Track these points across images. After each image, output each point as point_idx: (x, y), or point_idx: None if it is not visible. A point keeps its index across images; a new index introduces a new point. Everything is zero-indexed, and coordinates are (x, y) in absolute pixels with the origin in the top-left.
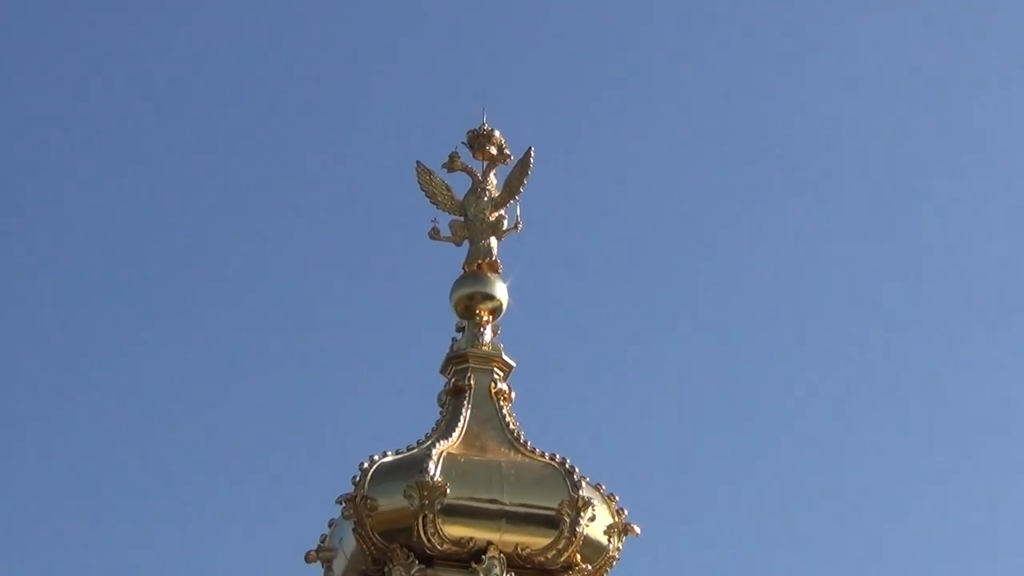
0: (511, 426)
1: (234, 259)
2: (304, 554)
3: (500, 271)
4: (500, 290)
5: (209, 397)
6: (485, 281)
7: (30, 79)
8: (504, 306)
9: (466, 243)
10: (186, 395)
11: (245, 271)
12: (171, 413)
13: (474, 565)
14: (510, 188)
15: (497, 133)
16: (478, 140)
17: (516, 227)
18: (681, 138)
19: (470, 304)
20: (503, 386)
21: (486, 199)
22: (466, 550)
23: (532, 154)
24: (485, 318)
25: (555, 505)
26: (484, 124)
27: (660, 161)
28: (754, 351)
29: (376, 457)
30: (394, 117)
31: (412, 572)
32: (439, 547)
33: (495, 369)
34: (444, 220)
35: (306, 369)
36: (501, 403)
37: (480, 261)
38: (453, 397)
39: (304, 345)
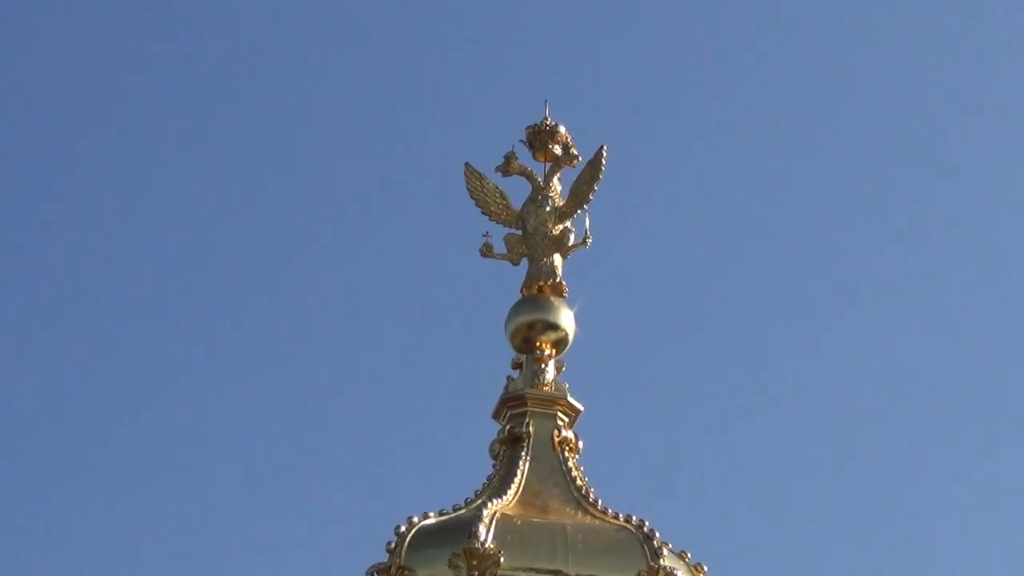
0: (578, 481)
1: (251, 291)
2: None
3: (565, 295)
4: (565, 318)
5: (213, 461)
6: (547, 307)
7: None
8: (570, 338)
9: (524, 261)
10: (189, 455)
11: (261, 300)
12: (183, 464)
13: None
14: (578, 195)
15: (562, 129)
16: (539, 138)
17: (584, 242)
18: (786, 135)
19: (529, 335)
20: (568, 434)
21: (548, 208)
22: None
23: (604, 154)
24: (547, 352)
25: None
26: (547, 118)
27: (760, 163)
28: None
29: (416, 519)
30: (439, 112)
31: None
32: None
33: (559, 414)
34: (498, 234)
35: (334, 413)
36: (566, 454)
37: (541, 283)
38: (509, 447)
39: (333, 384)
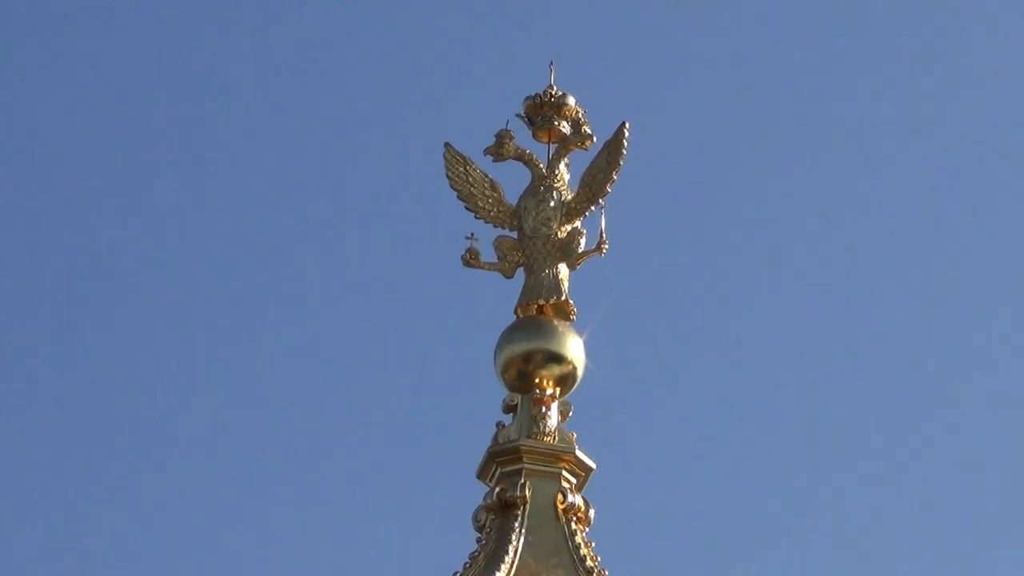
0: (588, 562)
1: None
2: None
3: (573, 318)
4: (573, 348)
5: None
6: (549, 333)
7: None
8: (579, 373)
9: (520, 273)
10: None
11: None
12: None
13: None
14: (591, 187)
15: (572, 101)
16: (542, 112)
17: (600, 249)
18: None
19: (526, 369)
20: (576, 499)
21: (553, 204)
22: None
23: (627, 134)
24: (549, 392)
25: None
26: (551, 87)
27: (818, 154)
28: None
29: None
30: (411, 76)
31: None
32: None
33: (564, 473)
34: (487, 236)
35: (273, 463)
36: (573, 526)
37: (542, 302)
38: (498, 516)
39: (275, 423)
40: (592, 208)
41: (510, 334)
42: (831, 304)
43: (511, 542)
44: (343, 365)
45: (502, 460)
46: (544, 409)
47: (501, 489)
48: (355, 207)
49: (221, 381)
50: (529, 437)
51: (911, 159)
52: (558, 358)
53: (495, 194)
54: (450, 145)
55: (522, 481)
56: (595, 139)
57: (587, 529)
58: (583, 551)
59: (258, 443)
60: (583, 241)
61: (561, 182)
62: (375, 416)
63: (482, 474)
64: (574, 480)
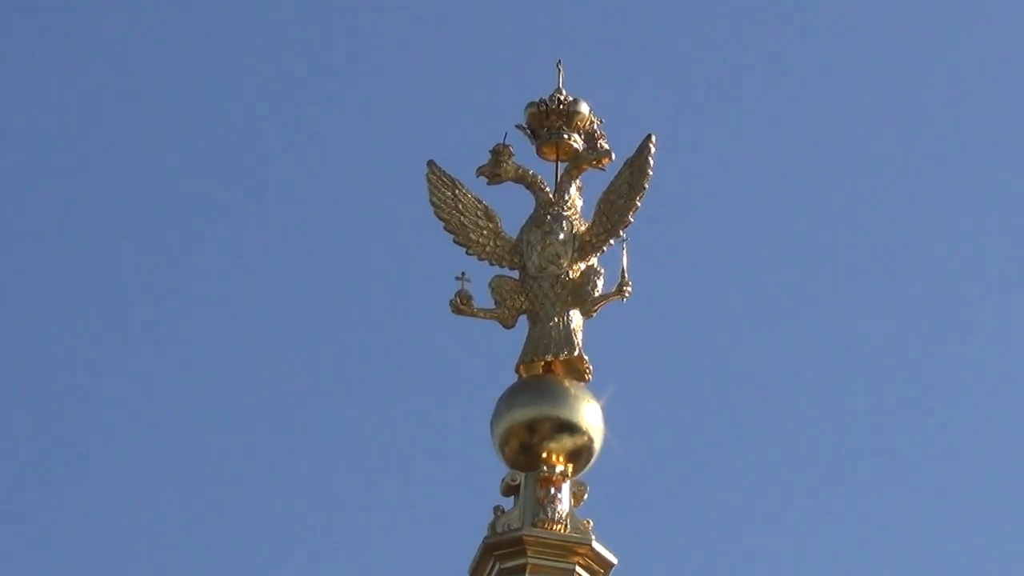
0: None
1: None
2: None
3: (588, 377)
4: (589, 414)
5: None
6: (559, 397)
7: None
8: (596, 446)
9: (523, 322)
10: None
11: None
12: None
13: None
14: (610, 215)
15: (585, 108)
16: (548, 122)
17: (621, 292)
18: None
19: (530, 442)
20: None
21: (563, 236)
22: None
23: (652, 149)
24: (559, 468)
25: None
26: (560, 91)
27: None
28: None
29: None
30: (391, 82)
31: None
32: None
33: (578, 569)
34: (481, 275)
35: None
36: None
37: (551, 357)
38: None
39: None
40: (611, 241)
41: (511, 398)
42: (887, 363)
43: None
44: (310, 442)
45: (501, 553)
46: (553, 490)
47: None
48: (320, 238)
49: (200, 478)
50: (534, 525)
51: (960, 193)
52: (570, 427)
53: (491, 224)
54: (434, 164)
55: None
56: (614, 156)
57: None
58: None
59: (219, 532)
60: (600, 283)
61: (572, 209)
62: (346, 499)
63: (477, 571)
64: None
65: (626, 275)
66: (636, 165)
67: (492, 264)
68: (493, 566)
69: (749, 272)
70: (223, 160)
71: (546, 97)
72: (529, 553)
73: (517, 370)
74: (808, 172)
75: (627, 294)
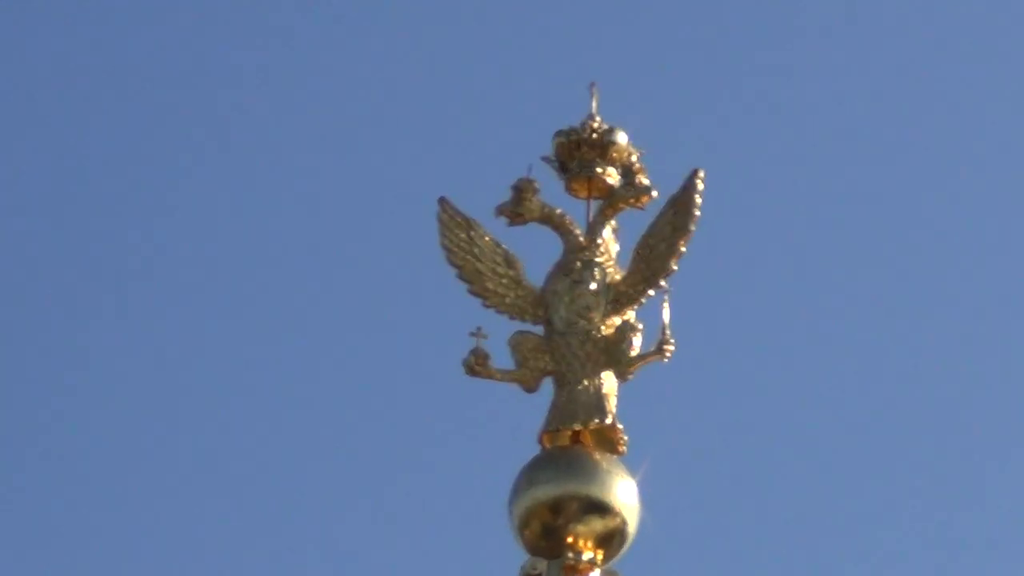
0: None
1: None
2: None
3: (622, 450)
4: (622, 493)
5: None
6: (589, 472)
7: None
8: (630, 529)
9: (549, 384)
10: None
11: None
12: None
13: None
14: (650, 262)
15: (623, 138)
16: (579, 154)
17: (662, 352)
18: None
19: (555, 523)
20: None
21: (595, 286)
22: None
23: (700, 186)
24: (588, 556)
25: None
26: (593, 118)
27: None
28: None
29: None
30: (394, 104)
31: None
32: None
33: None
34: (500, 331)
35: None
36: None
37: (579, 426)
38: None
39: None
40: (650, 292)
41: (532, 473)
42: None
43: None
44: (304, 518)
45: None
46: None
47: None
48: (314, 284)
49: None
50: None
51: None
52: (601, 508)
53: (511, 272)
54: (447, 202)
55: None
56: (656, 194)
57: None
58: None
59: None
60: (637, 340)
61: (606, 255)
62: None
63: None
64: None
65: (668, 331)
66: (681, 204)
67: (512, 318)
68: None
69: (810, 329)
70: (216, 196)
71: (577, 125)
72: None
73: (540, 441)
74: (882, 216)
75: (669, 353)
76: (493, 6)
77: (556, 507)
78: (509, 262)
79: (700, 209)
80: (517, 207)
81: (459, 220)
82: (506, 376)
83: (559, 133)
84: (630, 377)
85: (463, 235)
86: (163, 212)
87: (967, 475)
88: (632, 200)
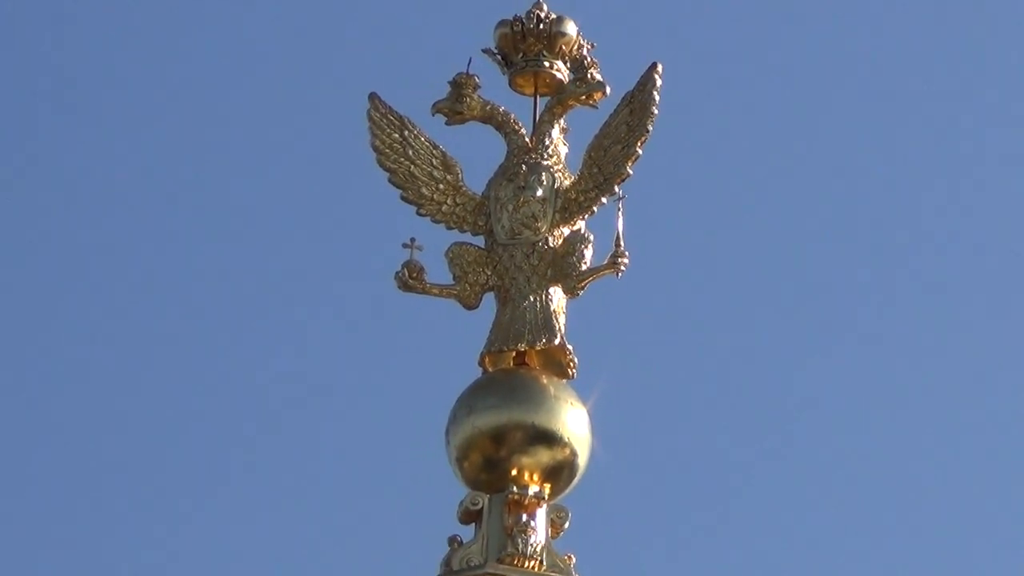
0: None
1: None
2: None
3: (573, 373)
4: (571, 421)
5: None
6: (535, 398)
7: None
8: (580, 461)
9: (488, 300)
10: None
11: None
12: None
13: None
14: (602, 166)
15: (573, 28)
16: (524, 45)
17: (615, 265)
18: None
19: (497, 454)
20: None
21: (541, 192)
22: None
23: (658, 82)
24: (534, 490)
25: None
26: (540, 7)
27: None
28: None
29: None
30: None
31: None
32: None
33: None
34: (436, 242)
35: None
36: None
37: (524, 347)
38: None
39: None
40: (603, 200)
41: (472, 399)
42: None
43: None
44: (221, 456)
45: None
46: (525, 517)
47: None
48: (232, 189)
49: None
50: (501, 561)
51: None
52: (547, 437)
53: (449, 176)
54: (378, 98)
55: None
56: (609, 90)
57: None
58: None
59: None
60: (588, 252)
61: (555, 158)
62: (267, 530)
63: None
64: None
65: (622, 243)
66: (637, 102)
67: (450, 228)
68: None
69: (774, 240)
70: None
71: (522, 14)
72: None
73: (481, 363)
74: (853, 113)
75: (622, 267)
76: None
77: (498, 437)
78: (447, 165)
79: (658, 107)
80: (456, 104)
81: (392, 119)
82: (443, 291)
83: (502, 23)
84: (580, 293)
85: (396, 135)
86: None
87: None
88: (583, 97)
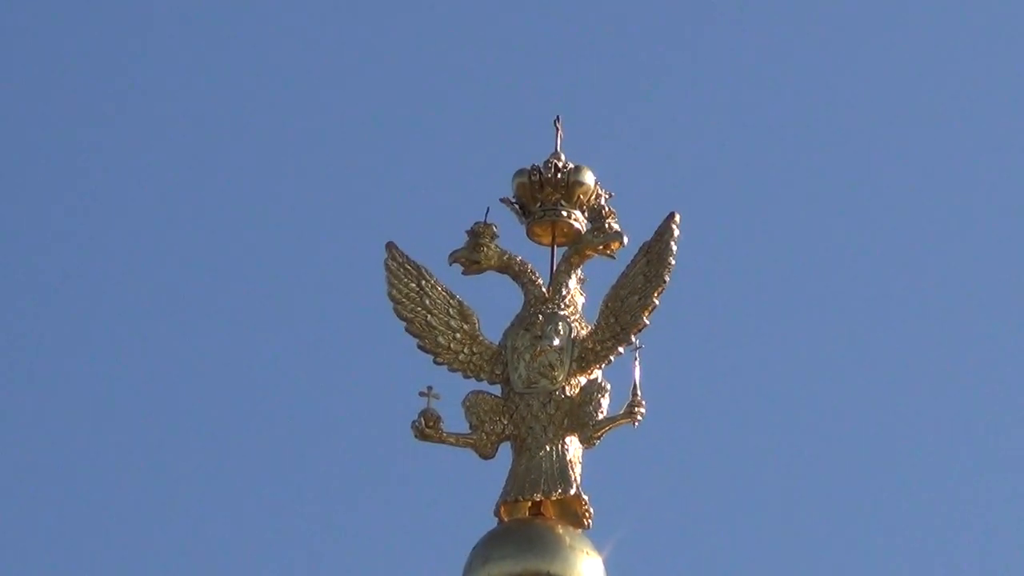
0: None
1: None
2: None
3: (589, 523)
4: (587, 569)
5: None
6: (551, 548)
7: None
8: None
9: (505, 451)
10: None
11: None
12: None
13: None
14: (620, 316)
15: (590, 178)
16: (543, 194)
17: (632, 414)
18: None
19: None
20: None
21: (558, 341)
22: None
23: (676, 232)
24: None
25: None
26: (558, 156)
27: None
28: None
29: None
30: (343, 142)
31: None
32: None
33: None
34: (453, 391)
35: None
36: None
37: (540, 497)
38: None
39: None
40: (620, 350)
41: (488, 549)
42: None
43: None
44: None
45: None
46: None
47: None
48: (263, 332)
49: None
50: None
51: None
52: None
53: (466, 326)
54: (395, 248)
55: None
56: (627, 240)
57: None
58: None
59: None
60: (605, 402)
61: (571, 308)
62: None
63: None
64: None
65: (639, 392)
66: (654, 252)
67: (467, 376)
68: None
69: (792, 393)
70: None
71: (540, 164)
72: None
73: (497, 513)
74: (868, 268)
75: (639, 417)
76: (451, 34)
77: None
78: (464, 315)
79: (676, 257)
80: (473, 254)
81: (409, 268)
82: (460, 440)
83: (520, 172)
84: (596, 443)
85: (413, 284)
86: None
87: None
88: (601, 247)
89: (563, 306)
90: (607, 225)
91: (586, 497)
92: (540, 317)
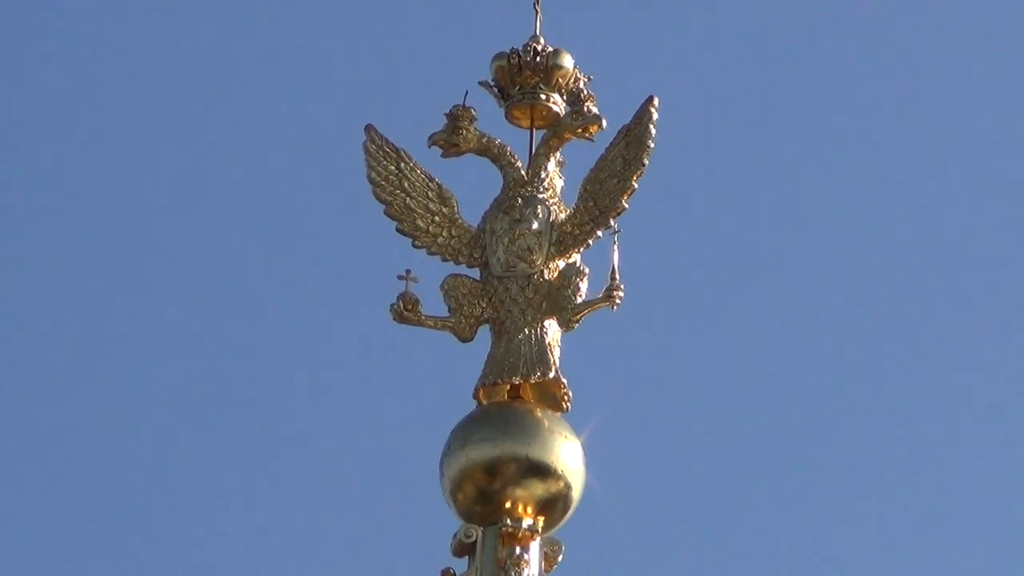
0: None
1: None
2: None
3: (568, 406)
4: (565, 455)
5: None
6: (530, 431)
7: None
8: (574, 493)
9: (485, 333)
10: None
11: None
12: None
13: None
14: (599, 199)
15: (569, 61)
16: (522, 78)
17: (611, 298)
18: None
19: (491, 486)
20: None
21: (537, 225)
22: None
23: (655, 115)
24: (527, 523)
25: None
26: (538, 39)
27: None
28: None
29: None
30: (322, 24)
31: None
32: None
33: None
34: (432, 273)
35: None
36: None
37: (519, 380)
38: None
39: None
40: (599, 233)
41: (467, 432)
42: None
43: None
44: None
45: None
46: (519, 550)
47: None
48: (231, 218)
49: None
50: None
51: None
52: (542, 470)
53: (444, 209)
54: (375, 130)
55: None
56: (605, 123)
57: None
58: None
59: None
60: (584, 285)
61: (550, 191)
62: (262, 555)
63: None
64: None
65: (617, 276)
66: (633, 135)
67: (445, 260)
68: None
69: (772, 273)
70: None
71: (519, 47)
72: None
73: (475, 396)
74: (855, 145)
75: (618, 300)
76: None
77: (492, 469)
78: (442, 198)
79: (654, 140)
80: (452, 137)
81: (388, 151)
82: (438, 323)
83: (499, 56)
84: (575, 326)
85: (392, 167)
86: None
87: None
88: (579, 130)
89: (542, 189)
90: (586, 108)
91: (565, 380)
92: (519, 200)
